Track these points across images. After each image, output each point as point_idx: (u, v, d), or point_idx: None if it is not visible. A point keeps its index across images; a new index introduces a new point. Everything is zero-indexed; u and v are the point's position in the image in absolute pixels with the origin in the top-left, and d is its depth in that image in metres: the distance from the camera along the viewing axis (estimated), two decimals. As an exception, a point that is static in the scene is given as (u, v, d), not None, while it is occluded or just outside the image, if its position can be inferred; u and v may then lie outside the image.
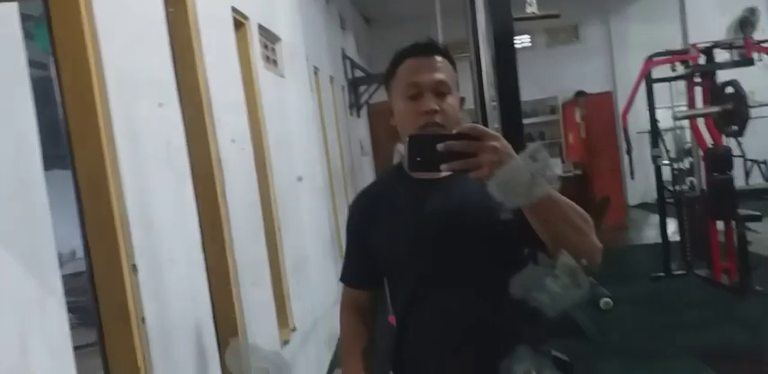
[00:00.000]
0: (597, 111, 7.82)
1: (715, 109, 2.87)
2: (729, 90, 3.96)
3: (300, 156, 3.06)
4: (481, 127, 0.91)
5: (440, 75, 1.14)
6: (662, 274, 4.93)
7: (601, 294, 3.70)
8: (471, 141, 0.88)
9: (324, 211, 3.41)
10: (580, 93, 8.36)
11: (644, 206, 8.64)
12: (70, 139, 1.25)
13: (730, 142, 4.77)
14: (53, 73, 1.26)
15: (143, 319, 1.26)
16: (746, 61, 4.38)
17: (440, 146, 0.88)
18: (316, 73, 3.93)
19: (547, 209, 0.96)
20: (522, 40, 9.82)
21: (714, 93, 4.23)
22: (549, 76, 9.45)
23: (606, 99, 8.02)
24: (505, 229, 1.14)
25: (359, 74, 6.02)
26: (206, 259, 1.61)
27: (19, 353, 0.88)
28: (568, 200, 1.00)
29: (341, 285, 1.36)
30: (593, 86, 8.72)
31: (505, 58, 2.32)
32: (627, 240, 6.97)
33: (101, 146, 1.23)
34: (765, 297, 4.12)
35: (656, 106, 5.00)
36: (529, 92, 9.43)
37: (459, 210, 1.17)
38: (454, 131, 0.91)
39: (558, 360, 2.15)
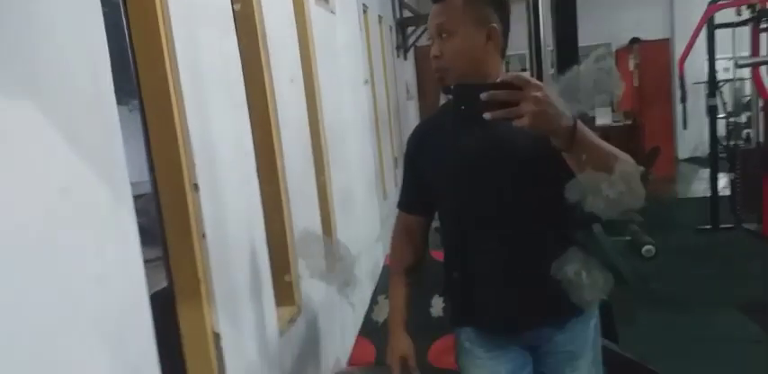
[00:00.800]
0: (652, 59, 7.49)
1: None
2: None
3: (348, 96, 3.07)
4: (524, 76, 0.94)
5: (440, 19, 1.18)
6: (709, 227, 4.87)
7: (644, 241, 3.68)
8: (514, 90, 0.91)
9: (369, 151, 3.45)
10: (635, 41, 7.98)
11: (695, 160, 8.38)
12: (137, 67, 1.29)
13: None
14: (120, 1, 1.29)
15: (204, 235, 1.34)
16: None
17: (483, 96, 0.91)
18: (365, 11, 3.86)
19: (585, 151, 1.00)
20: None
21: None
22: (603, 21, 8.99)
23: (662, 47, 7.66)
24: (548, 165, 1.15)
25: (407, 14, 5.86)
26: (260, 184, 1.69)
27: (99, 263, 0.95)
28: (601, 142, 1.04)
29: (383, 221, 1.47)
30: (650, 33, 8.29)
31: (565, 2, 2.24)
32: (675, 192, 6.82)
33: (165, 74, 1.27)
34: (815, 252, 4.03)
35: (717, 55, 4.77)
36: (581, 37, 9.12)
37: (500, 144, 1.22)
38: (498, 80, 0.95)
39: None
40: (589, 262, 1.19)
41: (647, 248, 3.63)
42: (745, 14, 4.46)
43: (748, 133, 4.73)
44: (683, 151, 8.72)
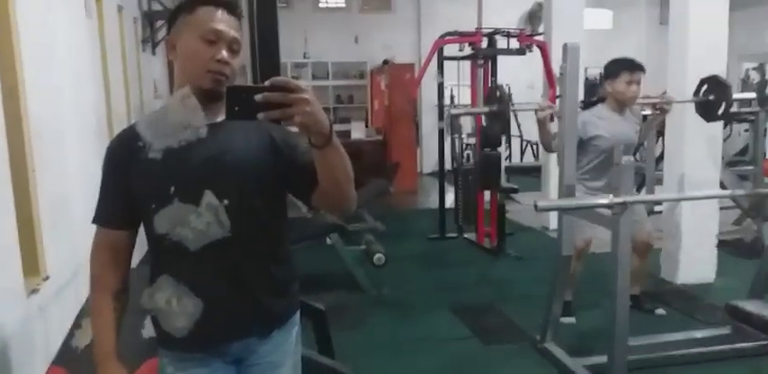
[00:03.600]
0: (399, 80, 8.17)
1: (483, 109, 3.15)
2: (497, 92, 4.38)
3: (69, 94, 2.72)
4: (293, 80, 1.00)
5: (237, 35, 1.24)
6: (437, 236, 5.46)
7: (376, 250, 3.96)
8: (285, 93, 0.98)
9: (97, 155, 3.09)
10: (386, 62, 8.66)
11: (435, 174, 9.38)
12: None
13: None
14: None
15: None
16: (520, 50, 4.89)
17: (258, 97, 0.97)
18: (98, -1, 3.48)
19: (335, 151, 1.10)
20: (336, 1, 9.85)
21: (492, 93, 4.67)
22: (360, 41, 9.64)
23: (408, 70, 8.41)
24: (271, 178, 1.26)
25: (156, 7, 5.47)
26: None
27: None
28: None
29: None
30: (401, 56, 9.10)
31: (265, 21, 2.33)
32: (415, 204, 7.53)
33: None
34: (514, 259, 4.77)
35: (449, 83, 5.41)
36: (339, 53, 9.64)
37: (228, 156, 1.22)
38: (267, 83, 0.99)
39: (312, 307, 2.27)
40: (179, 290, 1.24)
41: (378, 256, 3.92)
42: (467, 51, 5.14)
43: (468, 154, 5.43)
44: (428, 166, 9.70)
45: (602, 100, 3.20)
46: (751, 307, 2.67)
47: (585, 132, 3.05)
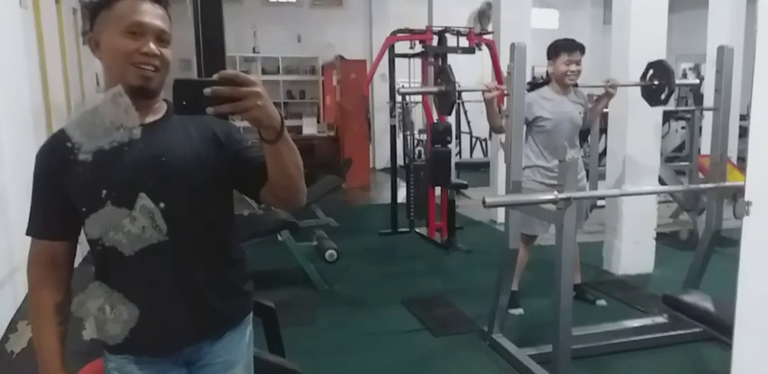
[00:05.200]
0: (351, 76, 8.17)
1: (432, 89, 3.19)
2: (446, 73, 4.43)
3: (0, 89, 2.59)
4: (243, 74, 0.97)
5: (165, 25, 1.17)
6: (389, 231, 5.50)
7: (328, 246, 3.95)
8: (236, 86, 0.96)
9: (33, 151, 2.97)
10: (338, 58, 8.63)
11: (388, 170, 9.43)
12: None
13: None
14: None
15: None
16: (468, 49, 4.96)
17: (207, 91, 0.94)
18: (33, -12, 3.33)
19: (287, 145, 1.09)
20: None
21: (441, 73, 4.71)
22: (311, 36, 9.56)
23: (360, 66, 8.41)
24: (214, 176, 1.22)
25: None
26: None
27: None
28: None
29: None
30: (353, 53, 9.08)
31: (210, 16, 2.31)
32: (367, 200, 7.55)
33: None
34: (464, 253, 4.86)
35: (401, 80, 5.43)
36: (290, 48, 9.53)
37: (165, 157, 1.17)
38: (215, 77, 0.96)
39: (261, 305, 2.25)
40: (112, 296, 1.20)
41: (330, 252, 3.91)
42: (418, 48, 5.18)
43: (420, 150, 5.50)
44: (381, 161, 9.72)
45: (547, 82, 3.32)
46: (686, 297, 2.80)
47: (531, 113, 3.16)
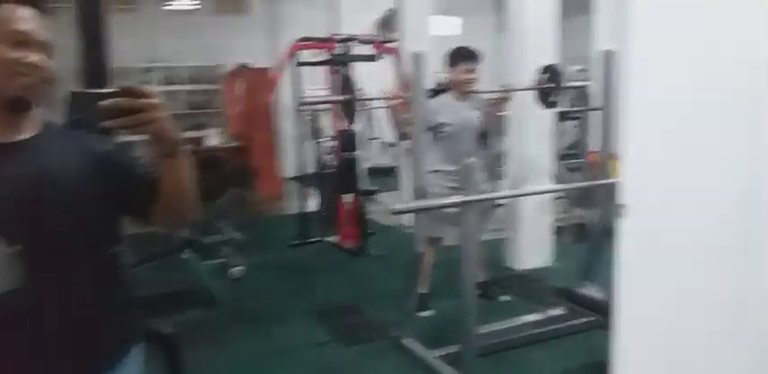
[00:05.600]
0: (257, 85, 8.02)
1: (334, 98, 3.22)
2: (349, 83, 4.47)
3: None
4: (141, 86, 0.94)
5: (49, 36, 1.08)
6: (299, 241, 5.43)
7: (234, 263, 3.86)
8: (134, 98, 0.93)
9: None
10: (243, 66, 8.47)
11: (301, 178, 9.33)
12: None
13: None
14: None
15: None
16: (372, 57, 5.03)
17: (105, 103, 0.91)
18: None
19: (184, 160, 1.06)
20: (187, 3, 9.45)
21: (344, 83, 4.75)
22: (214, 44, 9.32)
23: (265, 74, 8.27)
24: (97, 202, 1.10)
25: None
26: None
27: None
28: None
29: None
30: (257, 60, 8.92)
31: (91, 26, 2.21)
32: (279, 210, 7.42)
33: None
34: (376, 259, 4.88)
35: (307, 88, 5.40)
36: (191, 57, 9.24)
37: (42, 178, 1.05)
38: (112, 88, 0.93)
39: (158, 333, 2.15)
40: None
41: (238, 269, 3.82)
42: (324, 56, 5.17)
43: (329, 158, 5.49)
44: (290, 171, 9.59)
45: (446, 89, 3.45)
46: (579, 288, 2.98)
47: (434, 119, 3.29)
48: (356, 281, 4.40)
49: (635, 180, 1.34)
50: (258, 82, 8.04)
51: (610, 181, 3.15)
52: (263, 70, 8.43)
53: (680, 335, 1.34)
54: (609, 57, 3.25)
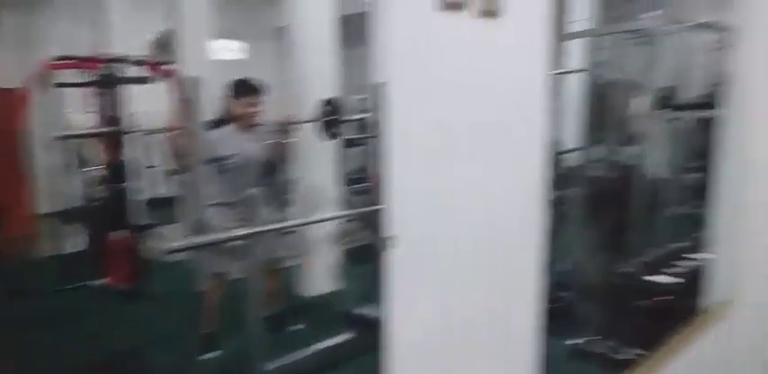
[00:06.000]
0: (2, 108, 6.94)
1: (95, 130, 2.90)
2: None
3: None
4: None
5: None
6: (64, 287, 4.73)
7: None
8: None
9: None
10: (-15, 86, 7.26)
11: (61, 214, 8.21)
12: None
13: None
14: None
15: None
16: (141, 79, 4.69)
17: None
18: None
19: None
20: None
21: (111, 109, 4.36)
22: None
23: (14, 96, 7.20)
24: None
25: None
26: None
27: None
28: None
29: None
30: (4, 81, 7.75)
31: None
32: (33, 252, 6.41)
33: None
34: (156, 299, 4.45)
35: (71, 111, 4.80)
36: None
37: None
38: None
39: None
40: None
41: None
42: (90, 77, 4.63)
43: (95, 191, 4.91)
44: (47, 206, 8.39)
45: (229, 120, 3.37)
46: (360, 310, 3.05)
47: (215, 151, 3.18)
48: (133, 327, 3.94)
49: (398, 208, 1.39)
50: (4, 105, 6.97)
51: (382, 207, 3.31)
52: (12, 91, 7.34)
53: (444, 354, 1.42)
54: (379, 89, 3.44)
